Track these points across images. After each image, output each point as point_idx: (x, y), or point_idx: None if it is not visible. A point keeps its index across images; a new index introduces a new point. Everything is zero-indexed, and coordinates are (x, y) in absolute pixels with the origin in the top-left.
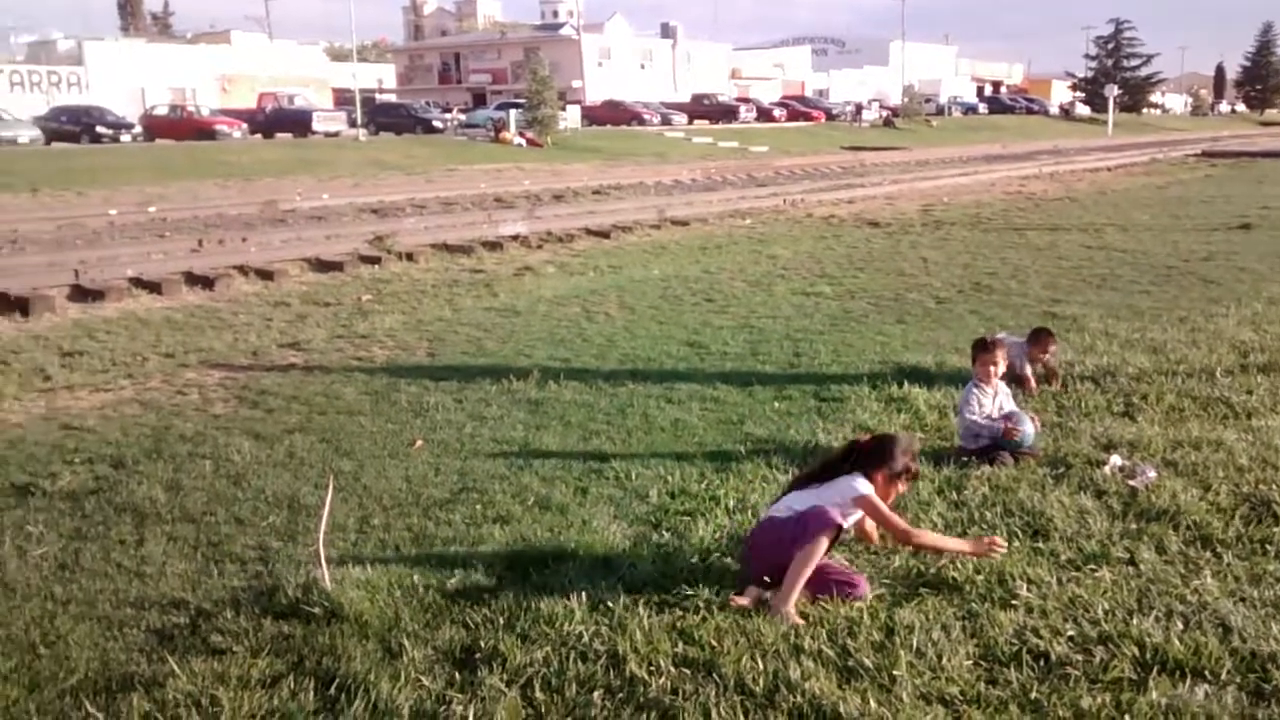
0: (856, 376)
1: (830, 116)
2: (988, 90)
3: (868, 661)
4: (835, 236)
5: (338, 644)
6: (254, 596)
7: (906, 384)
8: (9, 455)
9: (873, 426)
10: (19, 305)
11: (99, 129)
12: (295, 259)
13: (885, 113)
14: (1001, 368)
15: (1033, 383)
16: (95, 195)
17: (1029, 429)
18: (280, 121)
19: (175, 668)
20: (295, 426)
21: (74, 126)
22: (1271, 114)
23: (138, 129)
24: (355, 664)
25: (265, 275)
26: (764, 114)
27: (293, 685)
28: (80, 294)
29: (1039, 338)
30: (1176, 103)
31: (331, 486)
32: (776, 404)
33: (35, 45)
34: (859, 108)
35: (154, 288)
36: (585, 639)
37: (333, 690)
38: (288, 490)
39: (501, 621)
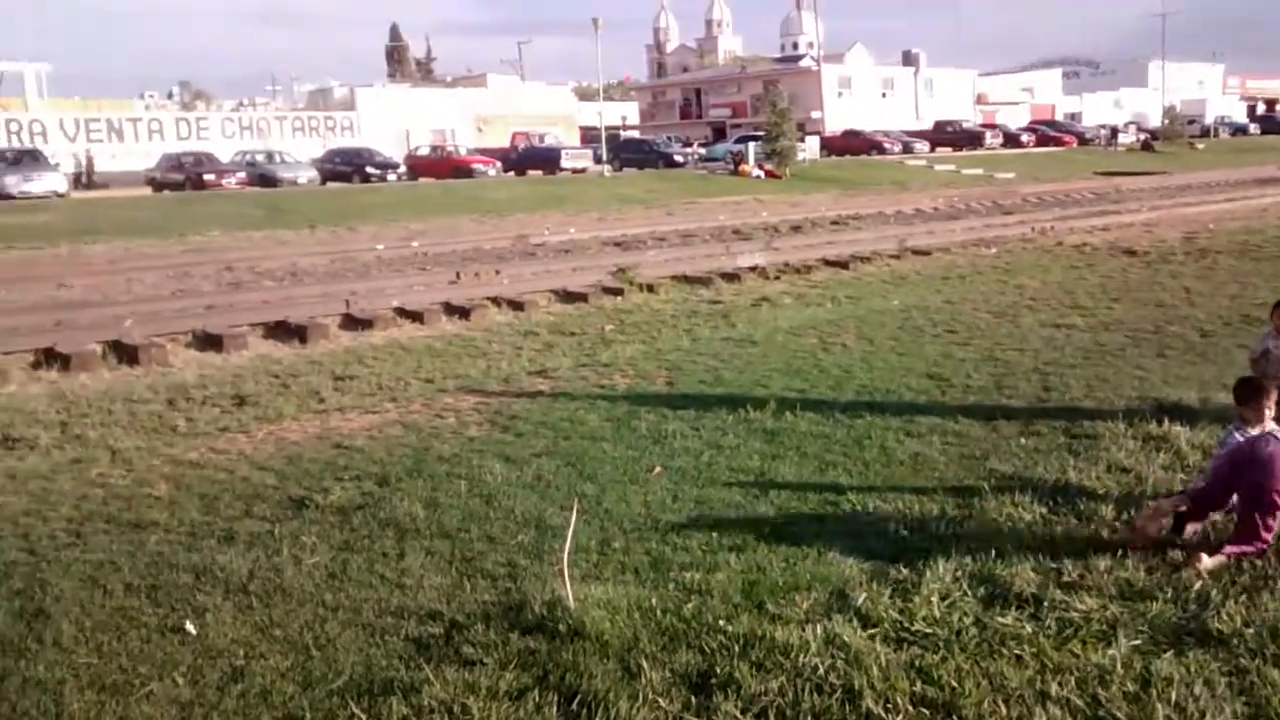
0: (1111, 413)
1: (1083, 141)
2: (1260, 109)
3: (1121, 714)
4: (1088, 266)
5: (580, 661)
6: (503, 611)
7: (1167, 422)
8: (288, 470)
9: (1129, 465)
10: (298, 333)
11: (368, 169)
12: (544, 290)
13: (1143, 135)
14: (1272, 412)
15: None
16: (365, 231)
17: None
18: (531, 159)
19: (431, 676)
20: (542, 450)
21: (346, 167)
22: None
23: (402, 169)
24: (596, 682)
25: (516, 306)
26: (1011, 140)
27: (537, 699)
28: (351, 323)
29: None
30: None
31: (576, 509)
32: (1023, 440)
33: (314, 93)
34: (1114, 131)
35: (416, 317)
36: (820, 671)
37: (574, 706)
38: (535, 511)
39: (737, 649)
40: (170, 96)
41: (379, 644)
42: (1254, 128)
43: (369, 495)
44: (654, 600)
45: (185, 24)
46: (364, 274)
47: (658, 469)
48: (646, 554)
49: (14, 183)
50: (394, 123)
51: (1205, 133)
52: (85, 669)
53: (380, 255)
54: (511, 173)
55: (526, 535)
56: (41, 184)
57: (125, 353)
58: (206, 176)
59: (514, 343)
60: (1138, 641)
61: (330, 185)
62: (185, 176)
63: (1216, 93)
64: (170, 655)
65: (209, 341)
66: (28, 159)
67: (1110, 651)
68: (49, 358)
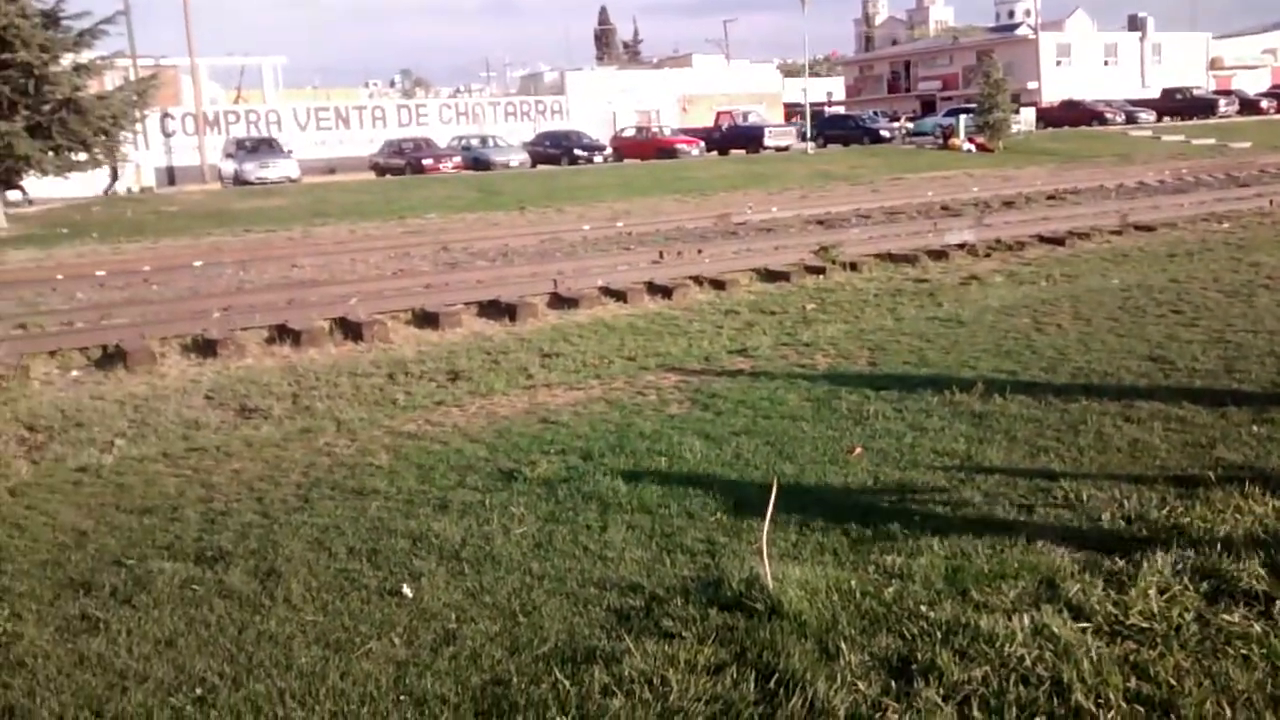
0: None
1: None
2: None
3: None
4: None
5: (777, 640)
6: (701, 586)
7: None
8: (498, 444)
9: None
10: (508, 311)
11: (576, 151)
12: (745, 269)
13: None
14: None
15: None
16: (572, 212)
17: None
18: (734, 138)
19: (631, 646)
20: (741, 429)
21: (555, 150)
22: None
23: (608, 150)
24: (794, 661)
25: (717, 285)
26: (1249, 106)
27: (735, 675)
28: (558, 301)
29: None
30: None
31: (775, 488)
32: (1255, 427)
33: (526, 78)
34: None
35: (619, 296)
36: (1027, 662)
37: (771, 684)
38: (734, 489)
39: (939, 635)
40: (392, 85)
41: (582, 613)
42: None
43: (573, 469)
44: (853, 582)
45: (408, 15)
46: (571, 254)
47: (858, 450)
48: (845, 535)
49: (252, 169)
50: (601, 105)
51: None
52: (312, 626)
53: (586, 235)
54: (715, 152)
55: (725, 513)
56: (277, 170)
57: (350, 329)
58: (425, 161)
59: (715, 321)
60: None
61: (540, 168)
62: (405, 161)
63: None
64: (388, 616)
65: (426, 319)
66: (264, 147)
67: None
68: (281, 333)
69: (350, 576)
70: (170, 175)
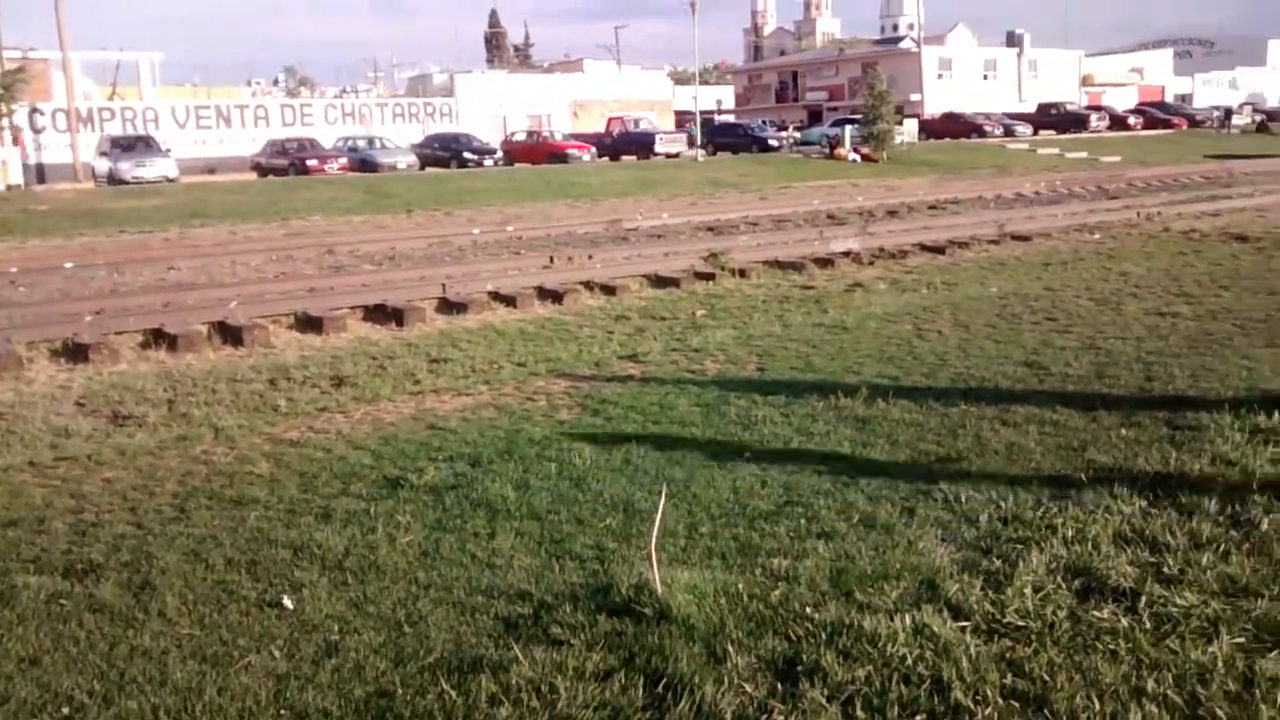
0: (1217, 403)
1: (1194, 123)
2: None
3: (1221, 713)
4: (1196, 252)
5: (666, 644)
6: (590, 593)
7: (1277, 414)
8: (383, 450)
9: (1234, 459)
10: (395, 315)
11: (465, 154)
12: (635, 275)
13: (1259, 117)
14: None
15: None
16: (461, 215)
17: None
18: (625, 144)
19: (519, 655)
20: (632, 435)
21: (444, 152)
22: None
23: (499, 154)
24: (682, 665)
25: (608, 290)
26: (1118, 122)
27: (623, 680)
28: (446, 306)
29: None
30: None
31: (664, 493)
32: (1124, 430)
33: (414, 79)
34: (1228, 112)
35: (509, 301)
36: (909, 661)
37: (660, 688)
38: (623, 495)
39: (824, 636)
40: (276, 84)
41: (469, 622)
42: None
43: (462, 476)
44: (740, 586)
45: (293, 12)
46: (460, 258)
47: (746, 455)
48: (734, 539)
49: (128, 168)
50: (491, 108)
51: None
52: (188, 640)
53: (476, 239)
54: (606, 158)
55: (614, 518)
56: (154, 169)
57: (230, 334)
58: (309, 162)
59: (605, 327)
60: (1241, 640)
61: (428, 170)
62: (289, 162)
63: None
64: (268, 629)
65: (310, 323)
66: (141, 145)
67: (1211, 649)
68: (157, 338)
69: (228, 588)
70: (40, 173)
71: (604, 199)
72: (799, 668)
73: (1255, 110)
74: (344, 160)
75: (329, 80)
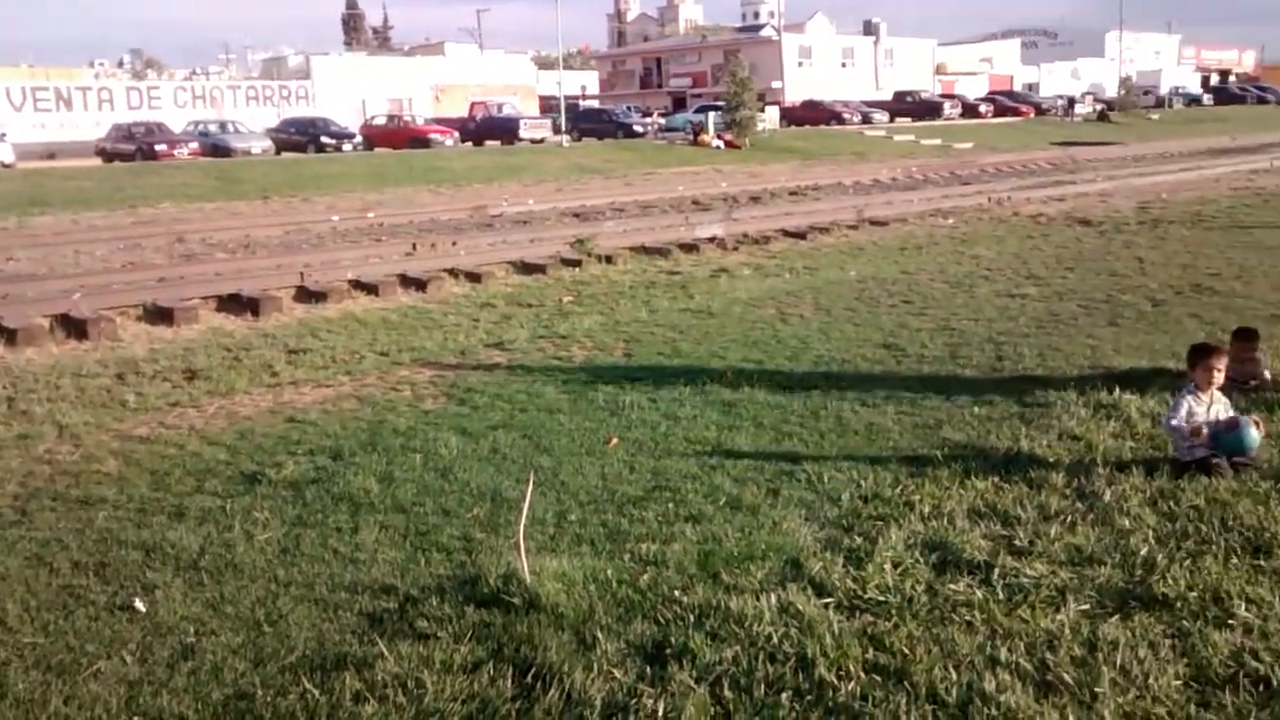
0: (1063, 381)
1: (1040, 111)
2: (1214, 80)
3: (1068, 677)
4: (1043, 236)
5: (535, 634)
6: (458, 585)
7: (1118, 390)
8: (239, 445)
9: (1079, 434)
10: (250, 305)
11: (323, 139)
12: (501, 262)
13: (1100, 106)
14: (1221, 376)
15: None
16: (320, 202)
17: (1253, 434)
18: (489, 129)
19: (384, 650)
20: (499, 423)
21: (301, 137)
22: None
23: (358, 138)
24: (551, 654)
25: (473, 277)
26: (969, 110)
27: (492, 671)
28: (305, 295)
29: (1242, 338)
30: None
31: (531, 481)
32: (976, 409)
33: (268, 62)
34: (1071, 101)
35: (371, 289)
36: (775, 640)
37: (529, 678)
38: (491, 484)
39: (692, 619)
40: (121, 65)
41: (332, 619)
42: (1207, 98)
43: (322, 469)
44: (610, 572)
45: None
46: (319, 245)
47: (614, 440)
48: (602, 526)
49: None
50: (350, 92)
51: (1160, 103)
52: (31, 649)
53: (335, 226)
54: (469, 143)
55: (482, 508)
56: None
57: (74, 326)
58: (158, 147)
59: (470, 315)
60: (1085, 606)
61: (285, 155)
62: (136, 147)
63: (1172, 63)
64: (119, 633)
65: (159, 315)
66: None
67: (1059, 616)
68: None
69: (75, 593)
70: None
71: (468, 185)
72: (668, 651)
73: (1096, 99)
74: (195, 145)
75: (177, 62)
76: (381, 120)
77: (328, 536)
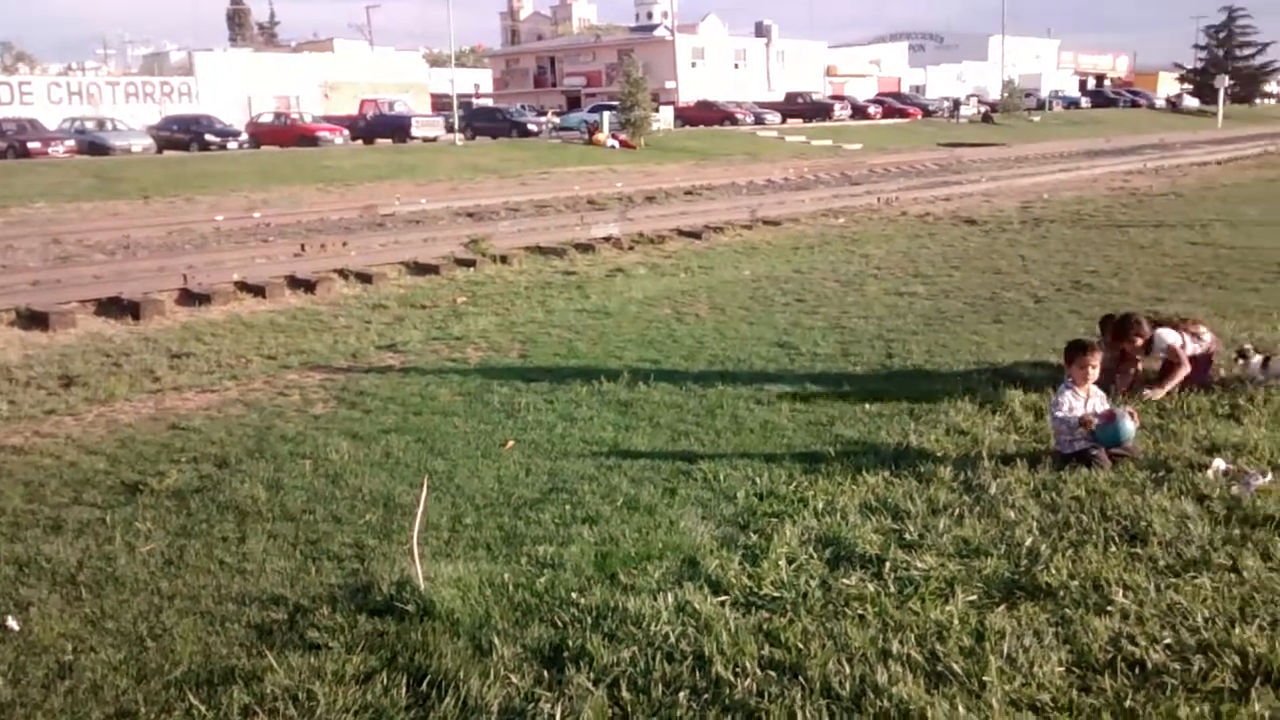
0: (950, 377)
1: (927, 113)
2: (1091, 84)
3: (957, 667)
4: (930, 235)
5: (430, 641)
6: (350, 593)
7: (1002, 385)
8: (120, 454)
9: (965, 428)
10: (130, 309)
11: (207, 137)
12: (393, 262)
13: (983, 108)
14: (1096, 372)
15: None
16: (203, 201)
17: (1129, 426)
18: (380, 127)
19: (274, 662)
20: (392, 427)
21: (184, 135)
22: None
23: (244, 136)
24: (446, 661)
25: (364, 278)
26: (859, 111)
27: (386, 681)
28: (188, 298)
29: (1123, 326)
30: None
31: (425, 486)
32: (867, 406)
33: (149, 57)
34: (956, 103)
35: (258, 291)
36: (672, 639)
37: (424, 687)
38: (384, 489)
39: (589, 621)
40: None
41: (219, 632)
42: (1085, 101)
43: (208, 478)
44: (506, 576)
45: None
46: (202, 246)
47: (510, 443)
48: (499, 529)
49: None
50: (235, 89)
51: (1041, 106)
52: None
53: (220, 227)
54: (359, 141)
55: (374, 514)
56: None
57: None
58: (30, 144)
59: (362, 316)
60: (973, 597)
61: (167, 154)
62: (6, 144)
63: (1051, 67)
64: None
65: (34, 319)
66: None
67: (948, 607)
68: None
69: None
70: None
71: (358, 184)
72: (565, 654)
73: (980, 102)
74: (71, 143)
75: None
76: (268, 118)
77: (213, 547)
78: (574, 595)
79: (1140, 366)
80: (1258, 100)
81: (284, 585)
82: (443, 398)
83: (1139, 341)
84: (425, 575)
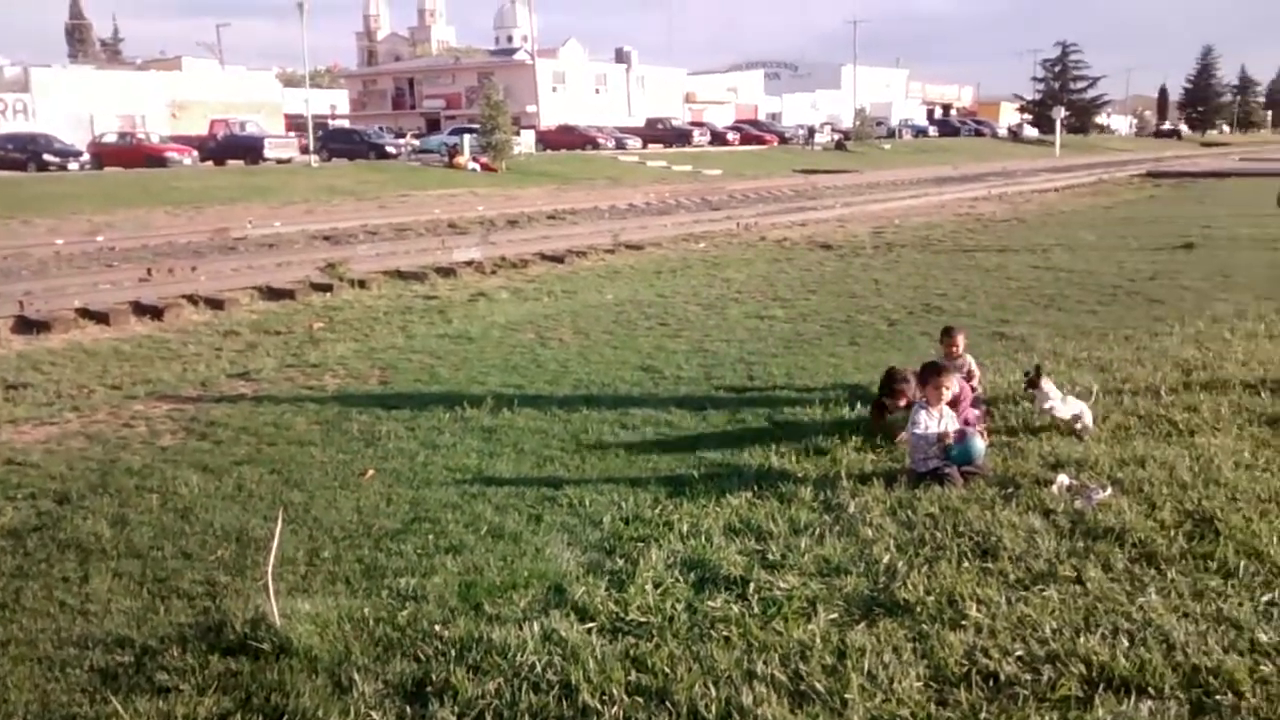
0: (809, 399)
1: (783, 140)
2: (938, 113)
3: (820, 686)
4: (788, 259)
5: (286, 680)
6: (201, 633)
7: (859, 405)
8: None
9: (825, 448)
10: None
11: (46, 157)
12: (246, 287)
13: (837, 136)
14: (950, 393)
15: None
16: (41, 224)
17: (979, 445)
18: (232, 148)
19: (119, 708)
20: (244, 458)
21: (20, 154)
22: (1213, 135)
23: (86, 157)
24: (304, 700)
25: (215, 304)
26: (718, 137)
27: None
28: (25, 325)
29: (946, 335)
30: (1122, 124)
31: (280, 519)
32: (730, 427)
33: None
34: (811, 131)
35: (101, 318)
36: (538, 669)
37: None
38: (236, 523)
39: (453, 653)
40: None
41: (58, 678)
42: (933, 130)
43: (47, 515)
44: (366, 610)
45: None
46: (41, 272)
47: (370, 472)
48: (359, 562)
49: None
50: (76, 107)
51: (891, 134)
52: None
53: (60, 251)
54: (210, 162)
55: (227, 550)
56: None
57: None
58: None
59: (213, 344)
60: (835, 615)
61: (1, 174)
62: None
63: (901, 97)
64: None
65: None
66: None
67: (810, 627)
68: None
69: None
70: None
71: (209, 206)
72: (428, 688)
73: (834, 129)
74: None
75: None
76: (112, 138)
77: (53, 588)
78: (437, 627)
79: (980, 386)
80: (1091, 131)
81: (130, 626)
82: (299, 427)
83: (902, 403)
84: (281, 612)
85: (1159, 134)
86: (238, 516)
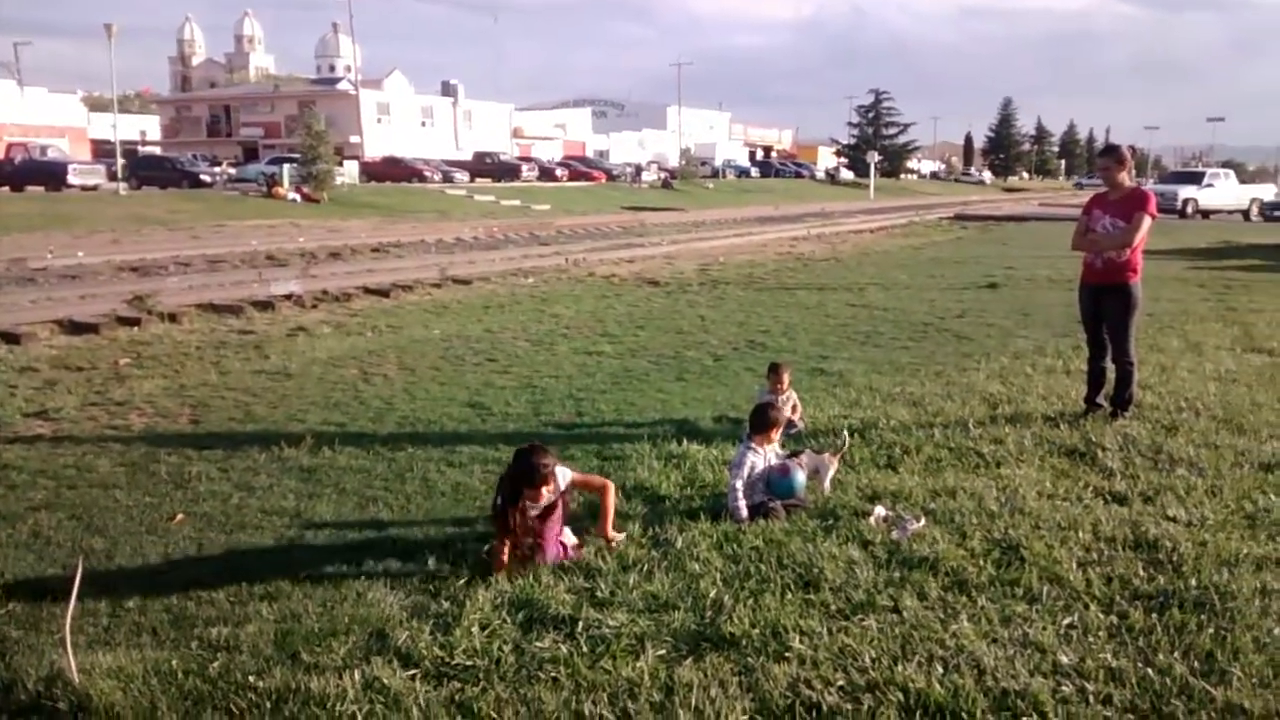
0: (637, 434)
1: (611, 177)
2: (759, 155)
3: None
4: (616, 295)
5: None
6: None
7: (685, 441)
8: None
9: (651, 484)
10: None
11: None
12: (45, 320)
13: (664, 174)
14: (778, 433)
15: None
16: None
17: (801, 478)
18: (31, 174)
19: None
20: (41, 503)
21: None
22: (1014, 180)
23: None
24: None
25: (10, 339)
26: (546, 173)
27: None
28: None
29: (773, 372)
30: (930, 169)
31: (80, 567)
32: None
33: None
34: (638, 169)
35: None
36: (359, 719)
37: None
38: (31, 573)
39: (268, 705)
40: None
41: None
42: (755, 171)
43: None
44: (174, 662)
45: None
46: None
47: (179, 517)
48: (166, 611)
49: None
50: None
51: (716, 174)
52: None
53: None
54: (6, 188)
55: (20, 602)
56: None
57: None
58: None
59: (6, 380)
60: (663, 651)
61: None
62: None
63: (724, 138)
64: None
65: None
66: None
67: (639, 664)
68: None
69: None
70: None
71: (4, 235)
72: None
73: (660, 168)
74: None
75: None
76: None
77: None
78: (251, 679)
79: (801, 422)
80: (903, 175)
81: None
82: (102, 469)
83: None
84: (80, 667)
85: (962, 179)
86: (33, 566)
